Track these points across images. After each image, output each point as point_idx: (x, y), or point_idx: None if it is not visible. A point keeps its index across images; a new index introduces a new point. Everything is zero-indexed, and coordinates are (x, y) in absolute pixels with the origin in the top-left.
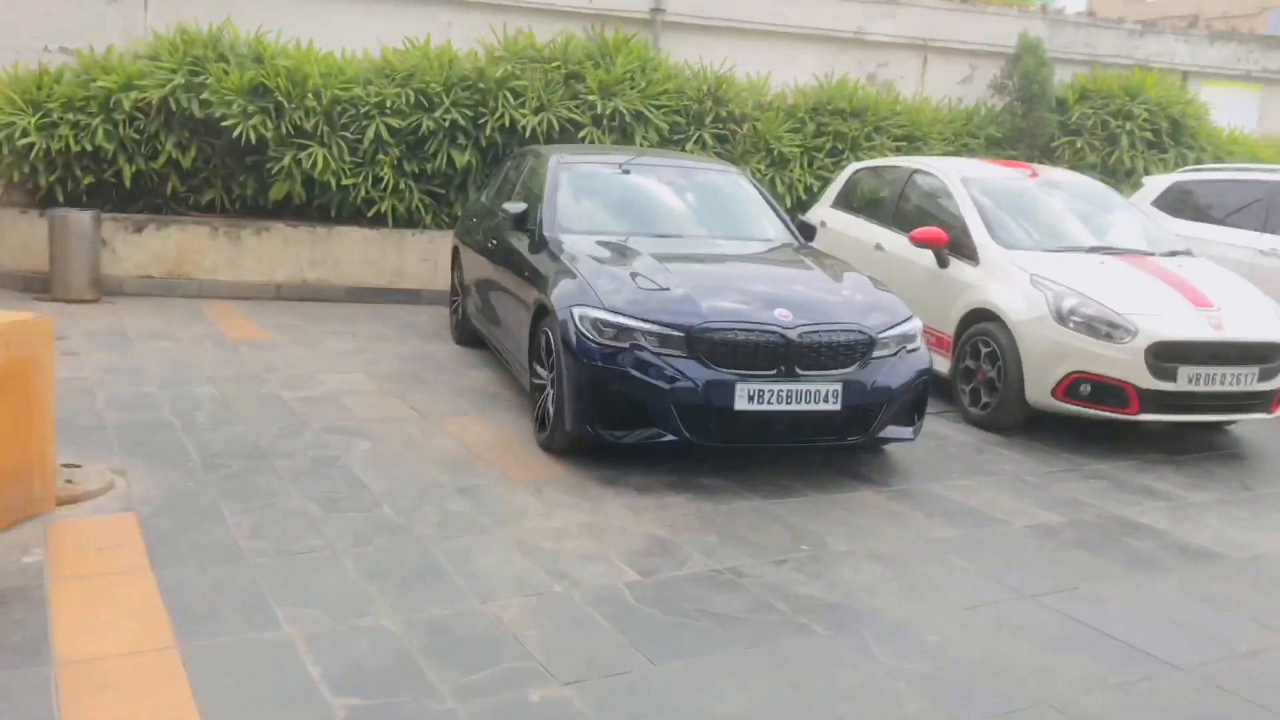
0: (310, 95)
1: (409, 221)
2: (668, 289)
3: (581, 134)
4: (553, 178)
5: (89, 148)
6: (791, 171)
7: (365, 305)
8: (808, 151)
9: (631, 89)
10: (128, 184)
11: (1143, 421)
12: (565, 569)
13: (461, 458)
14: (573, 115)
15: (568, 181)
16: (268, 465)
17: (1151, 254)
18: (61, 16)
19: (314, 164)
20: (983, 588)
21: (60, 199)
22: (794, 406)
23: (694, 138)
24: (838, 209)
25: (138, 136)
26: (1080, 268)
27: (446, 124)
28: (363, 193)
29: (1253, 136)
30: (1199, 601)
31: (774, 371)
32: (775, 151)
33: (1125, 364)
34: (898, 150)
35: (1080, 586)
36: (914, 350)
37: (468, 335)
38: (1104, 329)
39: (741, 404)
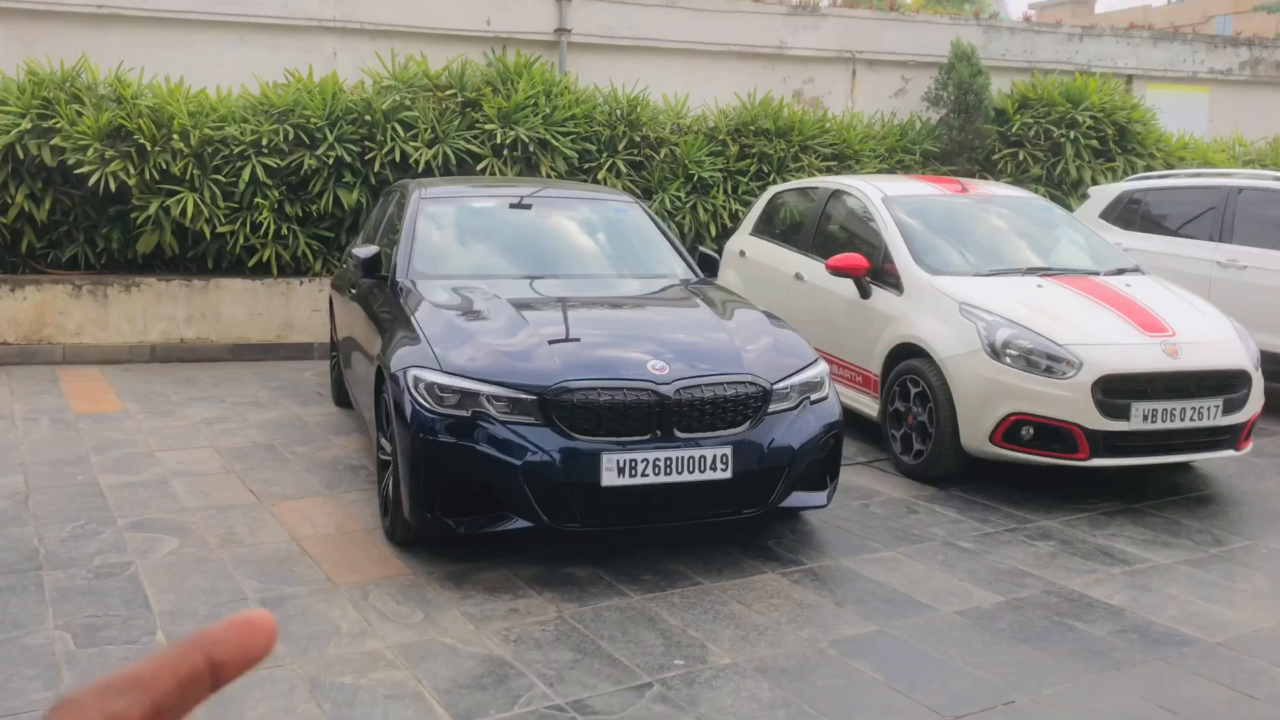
0: (177, 136)
1: (296, 269)
2: (520, 343)
3: (481, 166)
4: (411, 215)
5: None
6: (714, 198)
7: (250, 364)
8: (731, 176)
9: (535, 116)
10: None
11: (1095, 467)
12: (359, 717)
13: (284, 556)
14: (470, 147)
15: (429, 219)
16: (34, 581)
17: (1096, 273)
18: None
19: (183, 211)
20: (894, 710)
21: None
22: (675, 477)
23: (607, 165)
24: (758, 236)
25: None
26: (1016, 293)
27: (331, 161)
28: (240, 240)
29: (1203, 140)
30: (1165, 712)
31: (648, 436)
32: (695, 177)
33: (1070, 402)
34: (828, 171)
35: (1017, 698)
36: (821, 399)
37: (345, 395)
38: (1044, 362)
39: (610, 478)
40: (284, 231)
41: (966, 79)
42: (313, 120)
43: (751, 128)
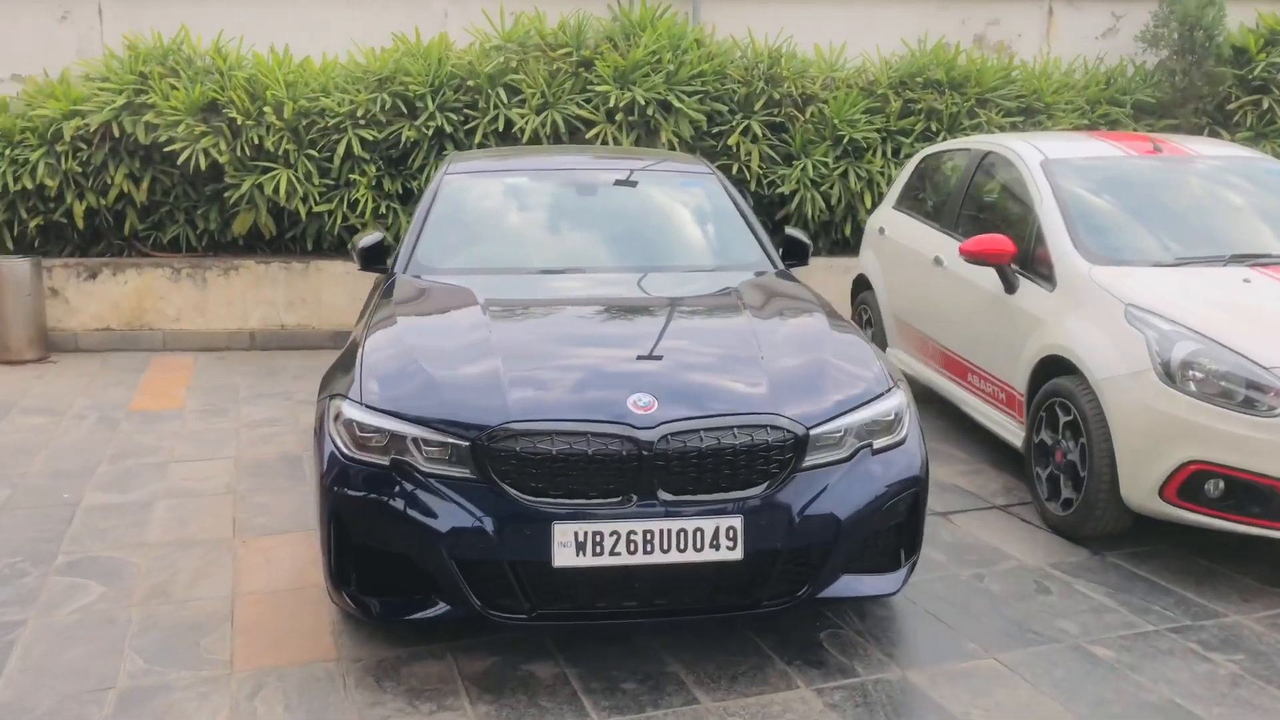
0: (270, 109)
1: None
2: (473, 369)
3: (594, 133)
4: (429, 196)
5: (29, 185)
6: (869, 162)
7: None
8: (891, 137)
9: (656, 74)
10: (79, 224)
11: None
12: None
13: (202, 621)
14: (582, 112)
15: (449, 199)
16: None
17: None
18: (12, 41)
19: (277, 189)
20: None
21: (9, 245)
22: (659, 557)
23: (740, 128)
24: (901, 210)
25: (81, 169)
26: (1211, 291)
27: (430, 132)
28: (339, 219)
29: None
30: None
31: (619, 500)
32: (846, 139)
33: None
34: (1012, 129)
35: None
36: (892, 445)
37: None
38: (1241, 392)
39: (564, 556)
40: (383, 210)
41: (1194, 11)
42: (412, 88)
43: (919, 80)
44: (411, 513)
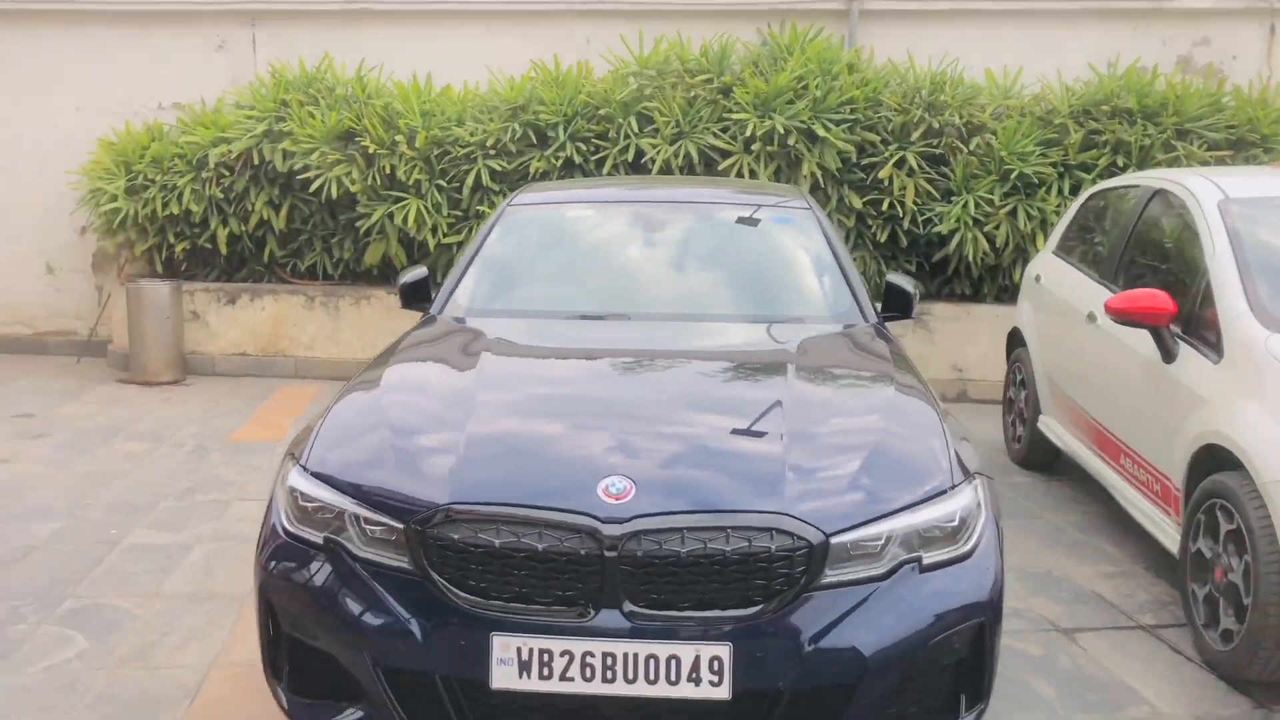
0: (402, 138)
1: None
2: (432, 437)
3: (727, 164)
4: (484, 231)
5: (177, 211)
6: (1042, 201)
7: None
8: (1069, 172)
9: (800, 101)
10: (222, 249)
11: None
12: None
13: (164, 695)
14: (718, 142)
15: (507, 234)
16: None
17: None
18: (172, 71)
19: (407, 218)
20: None
21: (158, 269)
22: (620, 688)
23: (893, 159)
24: (1060, 255)
25: (224, 195)
26: None
27: (559, 163)
28: None
29: None
30: None
31: (575, 610)
32: (1015, 173)
33: None
34: (1217, 164)
35: None
36: (952, 561)
37: None
38: None
39: (504, 676)
40: None
41: None
42: (544, 117)
43: (1105, 108)
44: (337, 605)
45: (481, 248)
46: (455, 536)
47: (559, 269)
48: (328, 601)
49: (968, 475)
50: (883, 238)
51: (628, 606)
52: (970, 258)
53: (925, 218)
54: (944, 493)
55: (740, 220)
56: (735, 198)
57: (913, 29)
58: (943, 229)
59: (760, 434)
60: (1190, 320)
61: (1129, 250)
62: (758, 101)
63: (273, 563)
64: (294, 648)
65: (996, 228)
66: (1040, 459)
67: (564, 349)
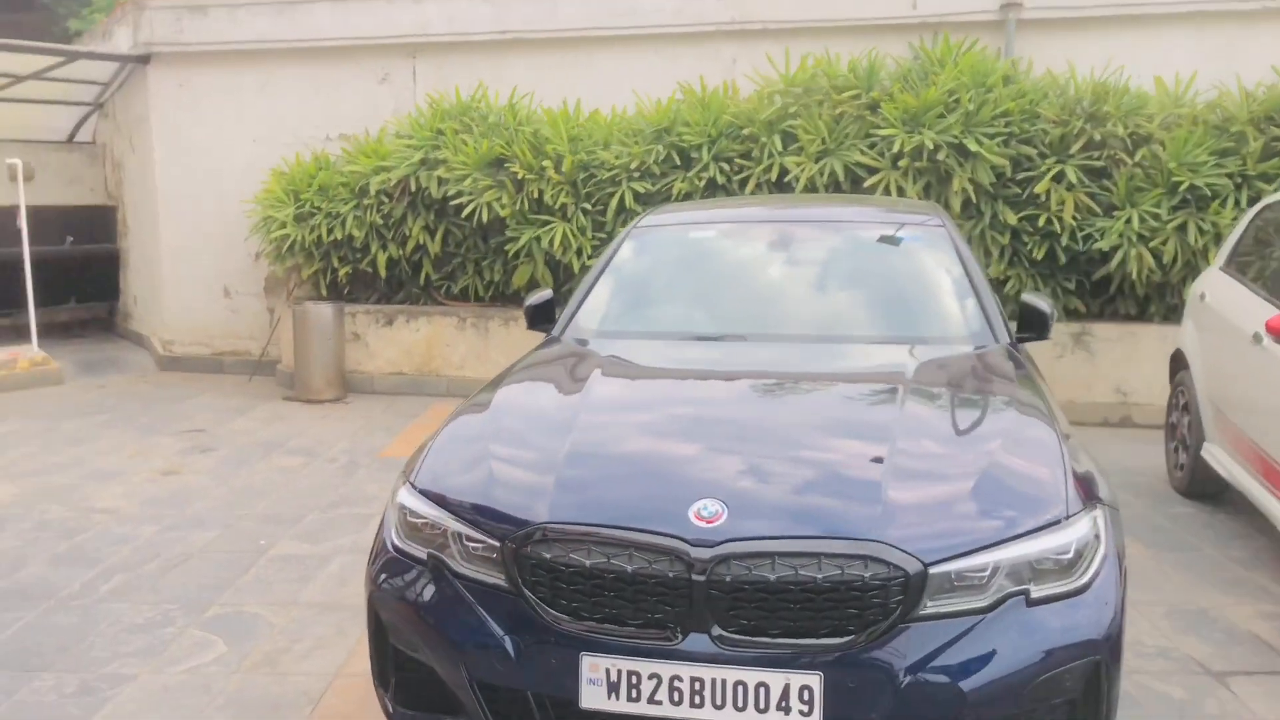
0: (549, 163)
1: None
2: (534, 454)
3: (873, 181)
4: (610, 252)
5: (340, 236)
6: (1216, 214)
7: None
8: (1248, 183)
9: (951, 115)
10: (382, 272)
11: None
12: None
13: (289, 700)
14: (864, 159)
15: (632, 256)
16: None
17: None
18: (340, 103)
19: (552, 241)
20: None
21: (323, 292)
22: (708, 714)
23: (1052, 173)
24: (1229, 272)
25: (384, 221)
26: None
27: (703, 184)
28: None
29: None
30: None
31: (664, 633)
32: (1184, 186)
33: None
34: None
35: None
36: (1064, 595)
37: None
38: None
39: (594, 698)
40: None
41: None
42: (687, 138)
43: None
44: (438, 619)
45: (605, 269)
46: (548, 556)
47: (680, 290)
48: (429, 615)
49: (1087, 504)
50: (1040, 255)
51: (716, 631)
52: (1134, 275)
53: (1085, 234)
54: (1058, 522)
55: (875, 239)
56: (866, 216)
57: (1073, 37)
58: (1104, 245)
59: (862, 458)
60: None
61: None
62: (906, 116)
63: (381, 576)
64: (400, 659)
65: (1164, 243)
66: (1204, 489)
67: (674, 370)
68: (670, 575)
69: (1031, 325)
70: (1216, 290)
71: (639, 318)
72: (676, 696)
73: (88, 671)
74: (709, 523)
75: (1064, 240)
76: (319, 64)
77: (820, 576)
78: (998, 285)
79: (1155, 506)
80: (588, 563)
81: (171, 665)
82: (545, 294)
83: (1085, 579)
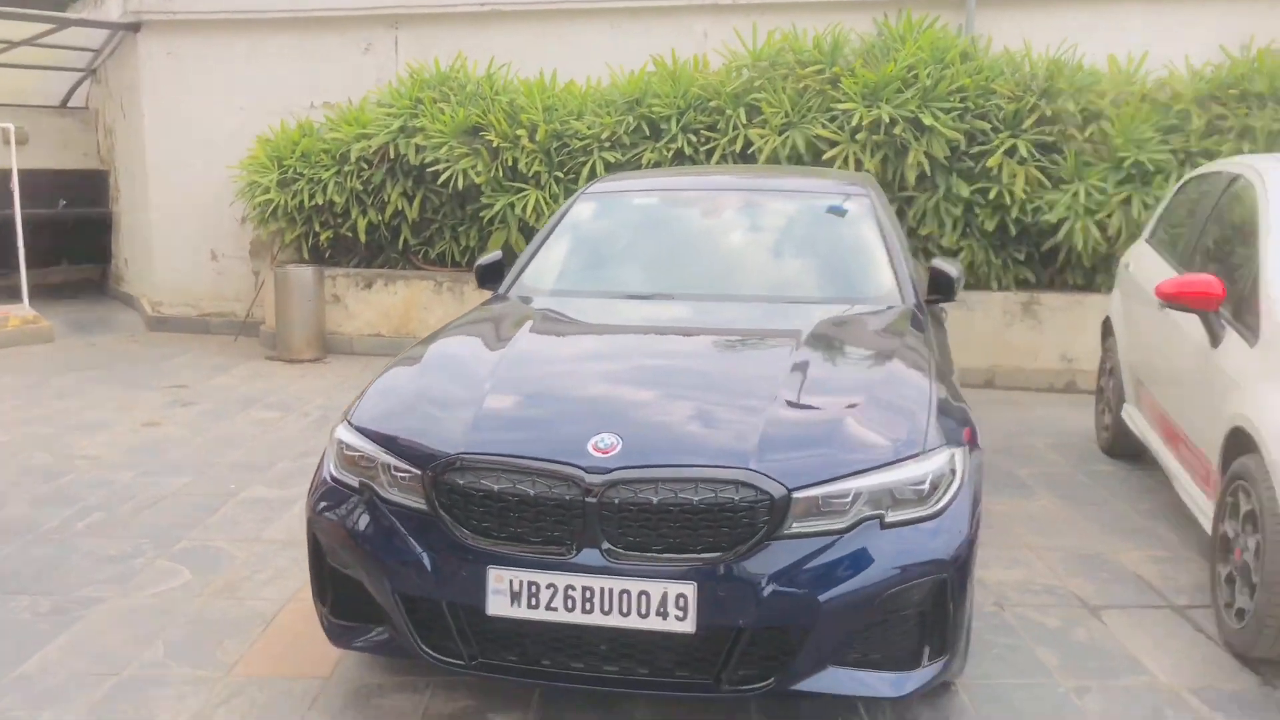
0: (524, 132)
1: None
2: (457, 392)
3: (832, 153)
4: (556, 216)
5: (321, 201)
6: (1159, 189)
7: None
8: (1190, 159)
9: (908, 90)
10: (361, 237)
11: None
12: None
13: (235, 623)
14: (824, 132)
15: (575, 220)
16: None
17: None
18: (324, 72)
19: (526, 208)
20: None
21: (306, 255)
22: (597, 618)
23: (1003, 148)
24: (1151, 243)
25: (364, 187)
26: None
27: (670, 154)
28: None
29: None
30: None
31: (560, 549)
32: (1128, 161)
33: None
34: None
35: None
36: (918, 520)
37: None
38: None
39: (497, 604)
40: None
41: None
42: (658, 109)
43: (1233, 91)
44: (367, 540)
45: (552, 232)
46: (462, 482)
47: (619, 252)
48: (360, 537)
49: (949, 443)
50: (991, 227)
51: (605, 546)
52: (1080, 247)
53: (1035, 206)
54: (913, 456)
55: (802, 208)
56: (797, 185)
57: (1032, 16)
58: (1052, 218)
59: (748, 398)
60: (1238, 304)
61: (1204, 236)
62: (866, 91)
63: (320, 504)
64: (335, 577)
65: (1109, 216)
66: (1127, 448)
67: (599, 325)
68: (567, 498)
69: (939, 289)
70: (1140, 260)
71: (580, 277)
72: (570, 604)
73: (61, 595)
74: (604, 453)
75: (1014, 213)
76: (305, 34)
77: (697, 499)
78: (950, 254)
79: (1079, 464)
80: (496, 487)
81: (139, 590)
82: (495, 255)
83: (938, 507)
